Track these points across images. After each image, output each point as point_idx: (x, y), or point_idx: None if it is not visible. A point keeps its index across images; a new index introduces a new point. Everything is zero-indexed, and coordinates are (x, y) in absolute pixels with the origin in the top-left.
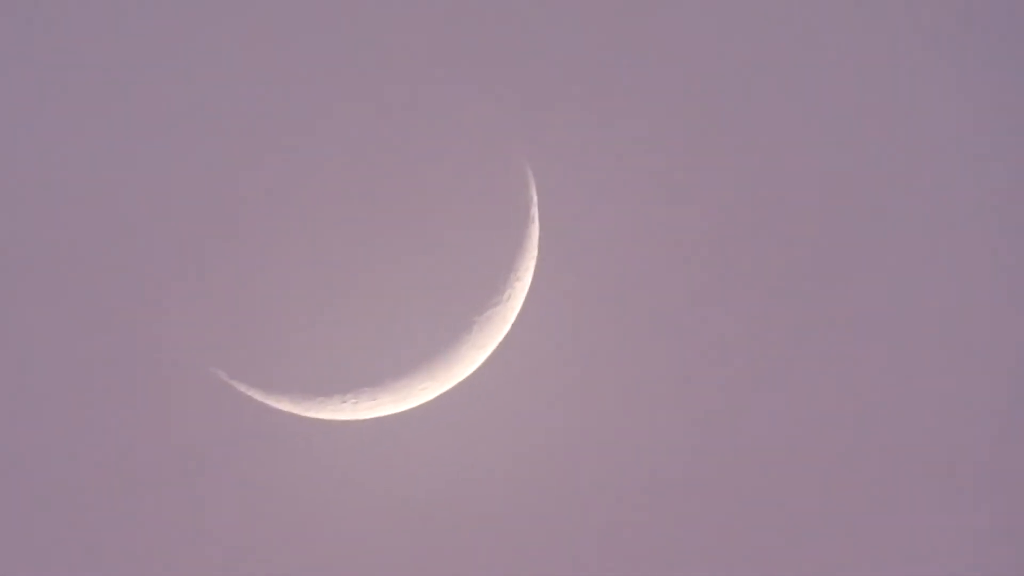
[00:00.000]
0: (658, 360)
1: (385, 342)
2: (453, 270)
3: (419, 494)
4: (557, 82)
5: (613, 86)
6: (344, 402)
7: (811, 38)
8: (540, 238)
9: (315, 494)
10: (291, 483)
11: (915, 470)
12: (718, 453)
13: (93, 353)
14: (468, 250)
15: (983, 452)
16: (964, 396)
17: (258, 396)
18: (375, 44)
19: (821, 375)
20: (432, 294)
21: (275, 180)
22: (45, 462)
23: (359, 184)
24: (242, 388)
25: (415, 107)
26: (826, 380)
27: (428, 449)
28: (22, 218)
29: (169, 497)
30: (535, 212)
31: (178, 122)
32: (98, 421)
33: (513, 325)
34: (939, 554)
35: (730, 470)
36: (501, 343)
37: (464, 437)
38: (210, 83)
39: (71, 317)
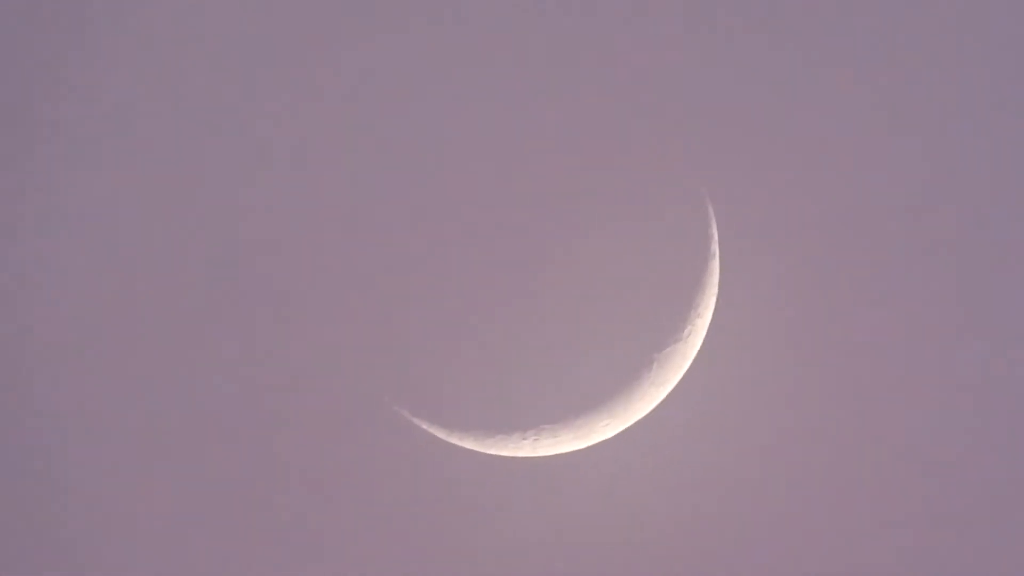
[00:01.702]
0: (843, 398)
1: (566, 379)
2: (633, 307)
3: (599, 532)
4: (738, 117)
5: (794, 121)
6: (524, 439)
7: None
8: (720, 274)
9: (496, 531)
10: (472, 520)
11: None
12: (916, 494)
13: (278, 387)
14: (648, 287)
15: None
16: None
17: (440, 434)
18: (554, 79)
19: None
20: (612, 331)
21: (460, 221)
22: (231, 493)
23: (541, 222)
24: (424, 426)
25: (594, 144)
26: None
27: (608, 486)
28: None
29: (351, 534)
30: (715, 248)
31: (356, 165)
32: (278, 456)
33: (693, 362)
34: None
35: (931, 514)
36: (681, 380)
37: (644, 475)
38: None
39: (257, 350)
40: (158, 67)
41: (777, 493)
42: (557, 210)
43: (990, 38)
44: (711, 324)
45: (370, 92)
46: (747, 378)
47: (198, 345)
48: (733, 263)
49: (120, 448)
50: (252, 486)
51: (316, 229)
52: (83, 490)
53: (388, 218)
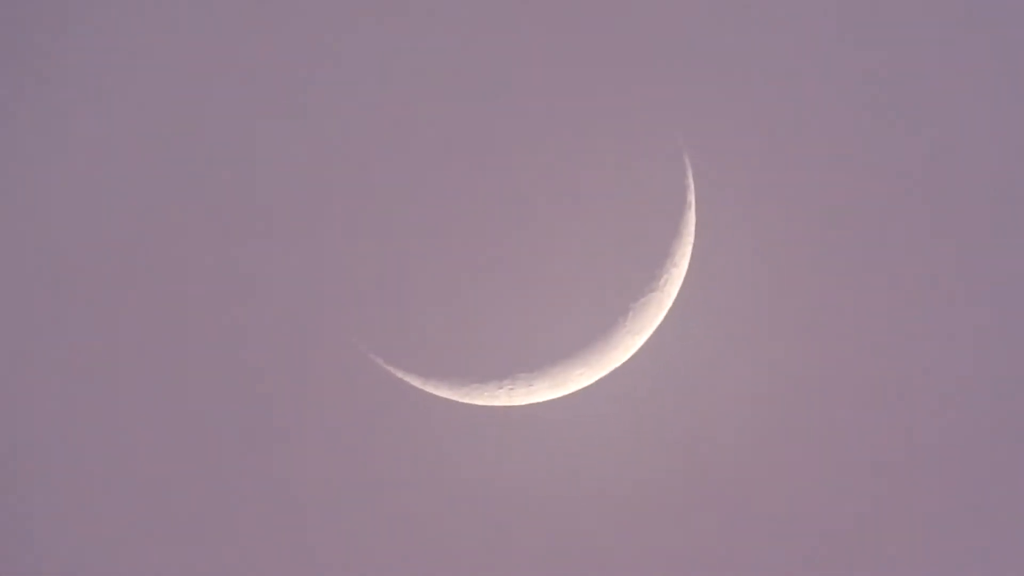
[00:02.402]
0: (816, 348)
1: (541, 329)
2: (609, 256)
3: (574, 481)
4: (713, 65)
5: (769, 68)
6: (500, 388)
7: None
8: (696, 223)
9: (470, 479)
10: (446, 468)
11: None
12: (874, 444)
13: (251, 336)
14: (624, 236)
15: None
16: None
17: (415, 382)
18: (534, 29)
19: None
20: (588, 280)
21: (431, 167)
22: (209, 450)
23: (515, 171)
24: (399, 374)
25: (570, 93)
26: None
27: (583, 436)
28: (176, 208)
29: (322, 484)
30: (691, 198)
31: (340, 112)
32: (253, 404)
33: (669, 311)
34: None
35: (888, 464)
36: (657, 329)
37: (619, 424)
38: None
39: (227, 302)
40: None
41: (753, 443)
42: (533, 158)
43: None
44: (687, 273)
45: (357, 47)
46: (722, 327)
47: (169, 290)
48: (709, 212)
49: (91, 389)
50: (223, 436)
51: (294, 174)
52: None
53: (366, 164)
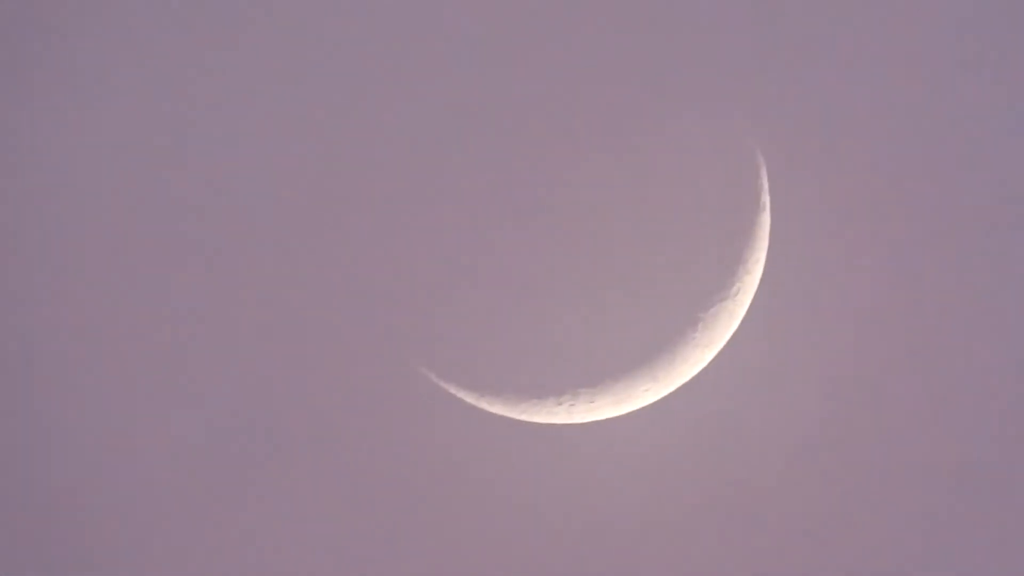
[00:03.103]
0: (903, 360)
1: (604, 340)
2: (677, 263)
3: (638, 504)
4: (789, 59)
5: (848, 65)
6: (560, 404)
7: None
8: (771, 227)
9: (527, 502)
10: (501, 490)
11: None
12: (971, 456)
13: (300, 349)
14: (694, 241)
15: None
16: None
17: (469, 398)
18: (598, 13)
19: None
20: (655, 288)
21: (494, 171)
22: (250, 454)
23: (577, 173)
24: (452, 390)
25: (641, 89)
26: None
27: (648, 456)
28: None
29: (373, 503)
30: (766, 200)
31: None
32: (297, 422)
33: (742, 322)
34: None
35: (981, 473)
36: (729, 341)
37: (687, 443)
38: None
39: (277, 310)
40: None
41: (832, 464)
42: (597, 160)
43: None
44: (761, 281)
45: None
46: (799, 339)
47: (213, 310)
48: (785, 215)
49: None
50: (272, 454)
51: (337, 183)
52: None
53: (415, 167)
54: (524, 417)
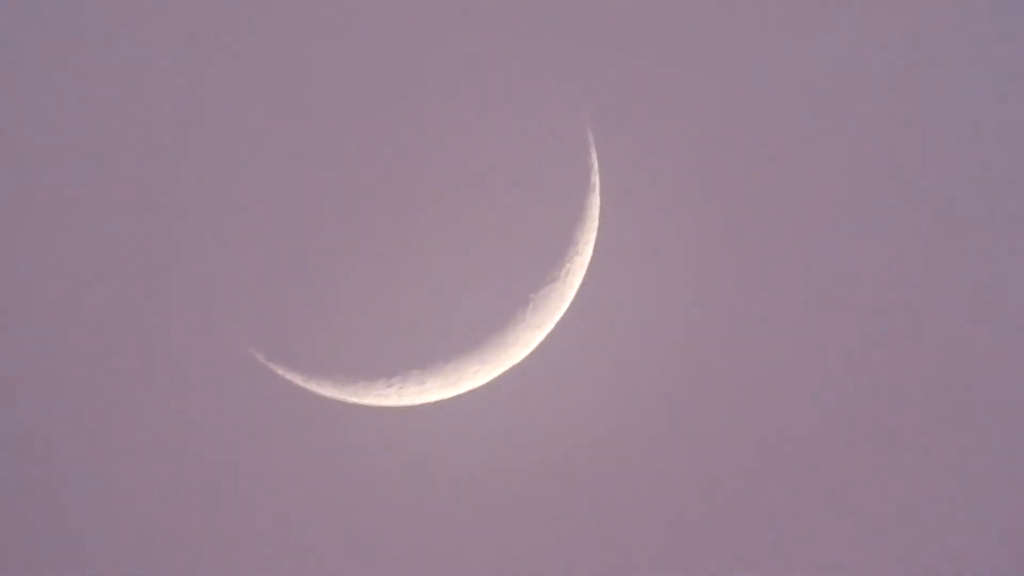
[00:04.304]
0: (729, 342)
1: (433, 321)
2: (507, 243)
3: (467, 485)
4: (618, 42)
5: (680, 42)
6: (389, 386)
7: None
8: (601, 208)
9: (356, 485)
10: (330, 473)
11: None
12: (779, 442)
13: (125, 333)
14: (524, 222)
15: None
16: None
17: (297, 380)
18: (426, 6)
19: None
20: (485, 269)
21: (316, 158)
22: (72, 451)
23: (408, 151)
24: (280, 371)
25: (469, 71)
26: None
27: (478, 437)
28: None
29: (201, 486)
30: (596, 180)
31: (221, 121)
32: (125, 403)
33: (571, 303)
34: None
35: (791, 463)
36: (558, 323)
37: (517, 425)
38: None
39: (104, 298)
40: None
41: (659, 443)
42: (425, 138)
43: None
44: (591, 262)
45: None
46: (629, 321)
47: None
48: (615, 196)
49: None
50: (102, 435)
51: (178, 171)
52: None
53: (247, 157)
54: (354, 399)
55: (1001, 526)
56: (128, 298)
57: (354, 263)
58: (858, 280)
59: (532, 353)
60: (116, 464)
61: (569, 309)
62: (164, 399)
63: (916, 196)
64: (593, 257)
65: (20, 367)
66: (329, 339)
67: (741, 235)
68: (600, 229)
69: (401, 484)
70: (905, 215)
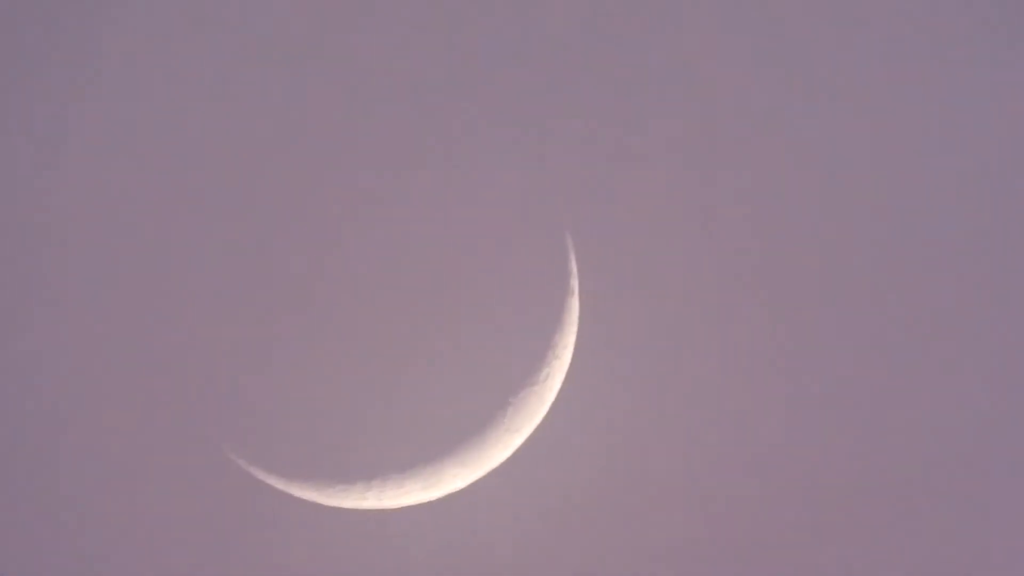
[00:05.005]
0: (705, 445)
1: (414, 425)
2: (486, 347)
3: None
4: (598, 149)
5: (656, 152)
6: (369, 490)
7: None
8: (580, 312)
9: None
10: None
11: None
12: (765, 531)
13: (104, 435)
14: (503, 326)
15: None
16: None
17: (277, 483)
18: (412, 106)
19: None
20: (464, 373)
21: (301, 257)
22: (52, 554)
23: (386, 256)
24: (260, 475)
25: (451, 174)
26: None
27: (458, 541)
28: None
29: None
30: (575, 284)
31: (207, 197)
32: (104, 505)
33: (551, 407)
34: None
35: (778, 550)
36: (538, 427)
37: (497, 528)
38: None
39: (82, 403)
40: None
41: (638, 547)
42: (405, 239)
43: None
44: (570, 366)
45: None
46: (608, 425)
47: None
48: (594, 300)
49: None
50: (78, 538)
51: (159, 269)
52: None
53: (228, 261)
54: (334, 502)
55: None
56: (107, 400)
57: (334, 367)
58: (849, 380)
59: (511, 456)
60: (95, 568)
61: (548, 412)
62: (143, 503)
63: (913, 301)
64: (573, 360)
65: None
66: (309, 442)
67: (722, 338)
68: (579, 332)
69: None
70: (898, 314)
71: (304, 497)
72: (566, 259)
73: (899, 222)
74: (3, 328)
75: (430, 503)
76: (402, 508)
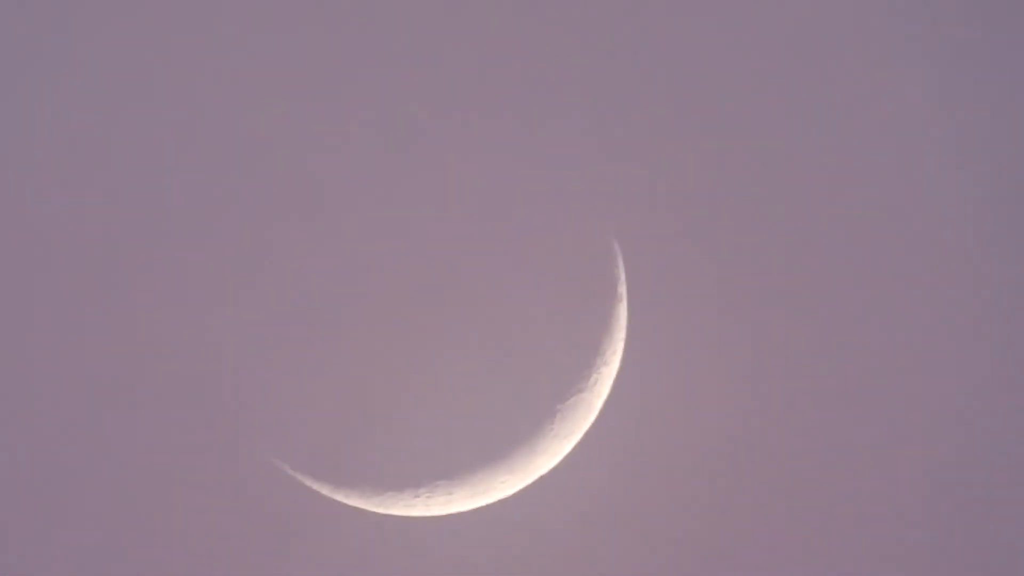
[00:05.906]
0: (759, 451)
1: (461, 432)
2: (534, 353)
3: None
4: (646, 154)
5: (708, 155)
6: (417, 497)
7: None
8: (628, 318)
9: None
10: None
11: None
12: (811, 541)
13: (151, 446)
14: (551, 332)
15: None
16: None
17: (324, 490)
18: (459, 114)
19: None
20: (512, 379)
21: (340, 270)
22: (93, 567)
23: (435, 265)
24: (307, 482)
25: (494, 178)
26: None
27: (506, 549)
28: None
29: None
30: (623, 290)
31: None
32: (151, 516)
33: (599, 414)
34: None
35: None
36: (586, 433)
37: (546, 535)
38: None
39: (126, 412)
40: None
41: (689, 554)
42: (451, 248)
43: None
44: (619, 372)
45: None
46: (657, 430)
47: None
48: (642, 306)
49: None
50: (127, 546)
51: (201, 279)
52: None
53: (273, 271)
54: (381, 510)
55: None
56: (151, 409)
57: (384, 376)
58: (899, 379)
59: (560, 463)
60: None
61: (597, 419)
62: (191, 510)
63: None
64: (621, 366)
65: (22, 501)
66: (357, 450)
67: (771, 343)
68: (628, 338)
69: None
70: (945, 318)
71: (351, 504)
72: (614, 265)
73: (927, 223)
74: (53, 330)
75: (478, 510)
76: (450, 515)
